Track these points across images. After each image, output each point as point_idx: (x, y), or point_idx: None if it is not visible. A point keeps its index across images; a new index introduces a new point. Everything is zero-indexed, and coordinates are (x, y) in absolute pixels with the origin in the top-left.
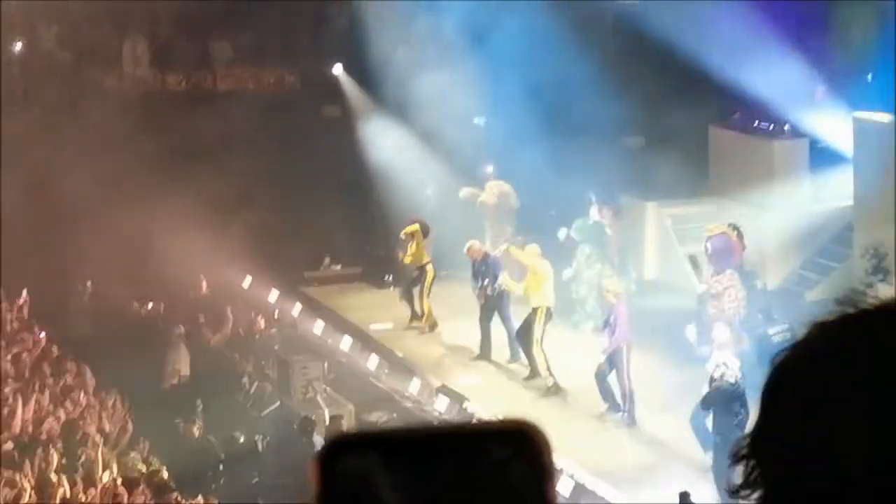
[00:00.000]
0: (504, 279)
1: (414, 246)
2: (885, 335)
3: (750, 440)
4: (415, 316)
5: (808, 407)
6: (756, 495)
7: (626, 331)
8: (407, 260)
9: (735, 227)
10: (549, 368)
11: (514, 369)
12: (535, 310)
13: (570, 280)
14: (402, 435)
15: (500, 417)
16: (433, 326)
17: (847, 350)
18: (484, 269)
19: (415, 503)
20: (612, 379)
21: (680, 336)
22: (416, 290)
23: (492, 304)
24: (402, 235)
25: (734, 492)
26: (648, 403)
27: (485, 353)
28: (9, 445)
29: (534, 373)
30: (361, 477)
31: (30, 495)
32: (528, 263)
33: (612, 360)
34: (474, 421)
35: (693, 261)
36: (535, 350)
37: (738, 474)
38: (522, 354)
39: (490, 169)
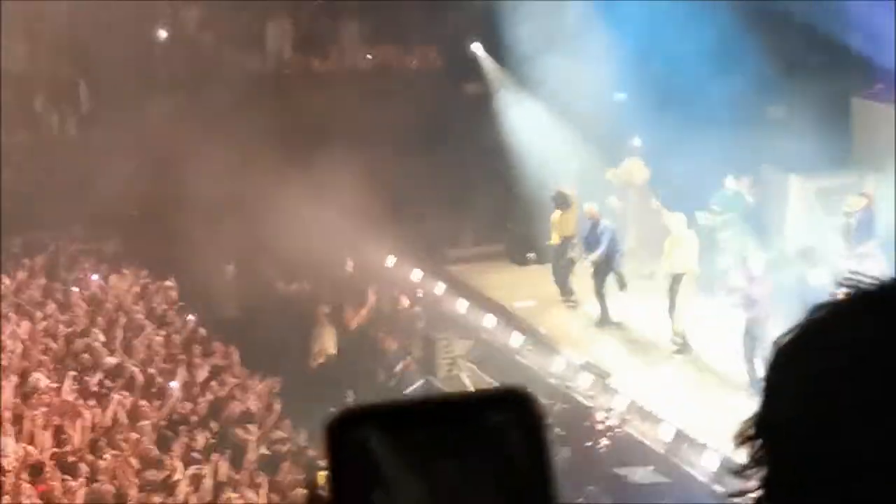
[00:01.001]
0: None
1: (559, 219)
2: (885, 315)
3: (754, 421)
4: (564, 291)
5: (812, 387)
6: (760, 475)
7: (767, 305)
8: (554, 237)
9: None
10: (679, 333)
11: (658, 340)
12: (677, 276)
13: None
14: (403, 406)
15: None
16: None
17: (848, 330)
18: (593, 237)
19: (416, 471)
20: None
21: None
22: (564, 264)
23: (602, 270)
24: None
25: (739, 472)
26: None
27: (604, 321)
28: (160, 425)
29: (678, 340)
30: (365, 446)
31: (180, 474)
32: (672, 228)
33: (753, 333)
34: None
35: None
36: (675, 315)
37: (742, 454)
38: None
39: (637, 142)
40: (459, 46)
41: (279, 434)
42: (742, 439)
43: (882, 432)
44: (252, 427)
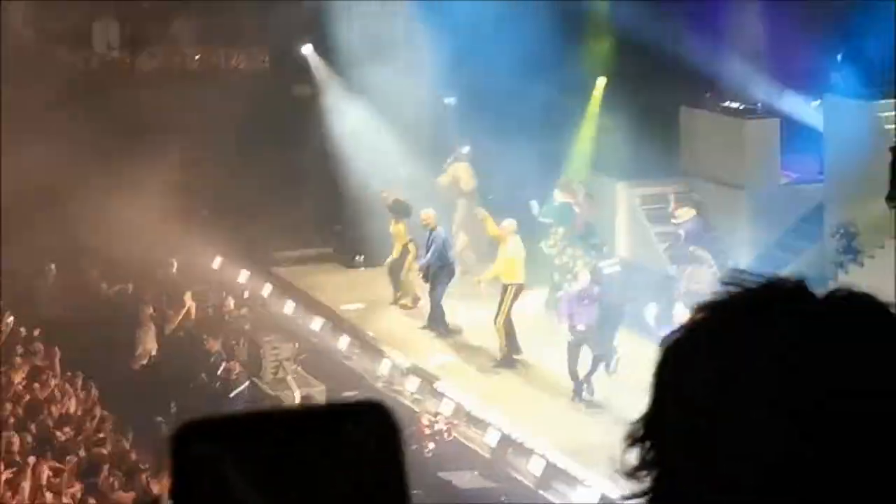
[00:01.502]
0: (485, 274)
1: (397, 226)
2: (767, 314)
3: (643, 422)
4: (403, 296)
5: (697, 387)
6: (651, 476)
7: (593, 315)
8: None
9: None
10: (507, 342)
11: (486, 347)
12: (507, 287)
13: (549, 255)
14: (252, 418)
15: (356, 398)
16: (415, 301)
17: (732, 330)
18: (430, 242)
19: (265, 486)
20: (582, 358)
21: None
22: (398, 269)
23: (436, 276)
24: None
25: (630, 474)
26: (618, 382)
27: (433, 326)
28: None
29: (504, 349)
30: (212, 462)
31: None
32: (499, 237)
33: (585, 339)
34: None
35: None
36: (500, 325)
37: (632, 456)
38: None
39: (466, 150)
40: (290, 48)
41: (100, 436)
42: (632, 440)
43: (768, 431)
44: (71, 429)
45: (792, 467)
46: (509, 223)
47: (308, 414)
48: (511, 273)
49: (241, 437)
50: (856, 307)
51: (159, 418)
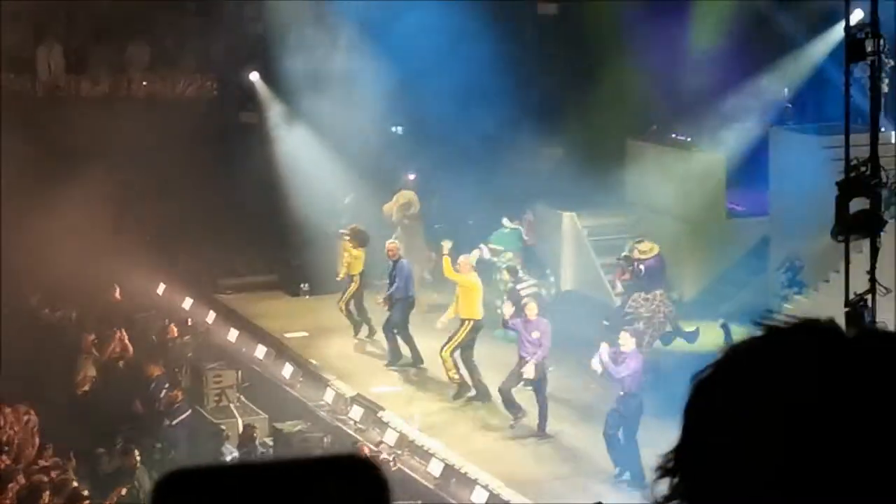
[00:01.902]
0: (444, 316)
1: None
2: (797, 353)
3: (674, 455)
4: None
5: (726, 423)
6: None
7: (547, 347)
8: (342, 271)
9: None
10: (457, 370)
11: (434, 377)
12: (462, 321)
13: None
14: (237, 471)
15: (341, 452)
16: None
17: (762, 367)
18: (394, 273)
19: None
20: (524, 393)
21: (594, 347)
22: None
23: (393, 311)
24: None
25: (659, 503)
26: (562, 414)
27: (393, 360)
28: None
29: (464, 385)
30: None
31: None
32: (458, 280)
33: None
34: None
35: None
36: (445, 355)
37: (662, 487)
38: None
39: (412, 177)
40: (237, 76)
41: (41, 464)
42: (662, 472)
43: (799, 463)
44: (8, 458)
45: None
46: (465, 259)
47: (293, 468)
48: (469, 309)
49: (225, 491)
50: (887, 346)
51: (101, 449)
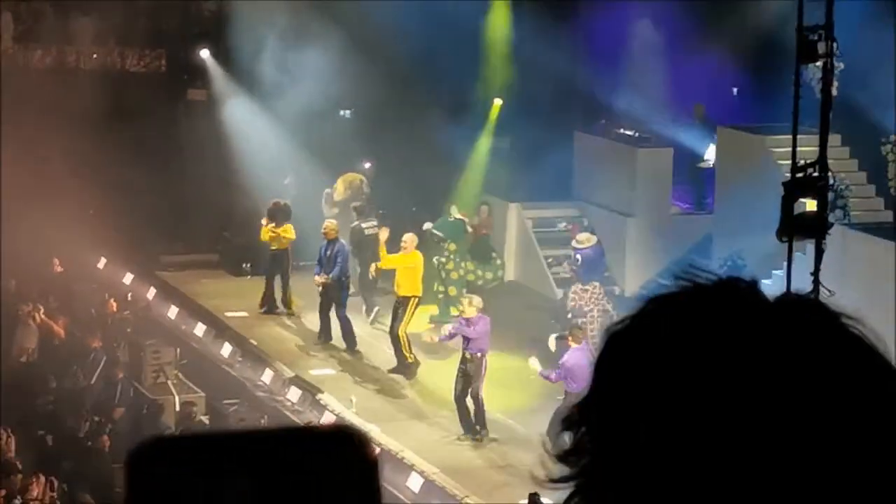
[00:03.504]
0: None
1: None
2: (718, 309)
3: (580, 407)
4: (267, 301)
5: (637, 376)
6: (582, 462)
7: (486, 343)
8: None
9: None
10: (411, 350)
11: (368, 359)
12: (405, 298)
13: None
14: (219, 438)
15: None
16: (297, 310)
17: (679, 323)
18: (329, 254)
19: None
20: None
21: (537, 339)
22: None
23: (332, 292)
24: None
25: (561, 458)
26: (504, 406)
27: (324, 340)
28: None
29: (401, 363)
30: (175, 484)
31: None
32: (403, 249)
33: (469, 373)
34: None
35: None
36: (402, 336)
37: (566, 441)
38: (354, 344)
39: (368, 165)
40: (186, 52)
41: None
42: (567, 424)
43: (703, 425)
44: None
45: (723, 466)
46: (410, 237)
47: (278, 437)
48: (412, 286)
49: (206, 460)
50: (806, 311)
51: (41, 432)
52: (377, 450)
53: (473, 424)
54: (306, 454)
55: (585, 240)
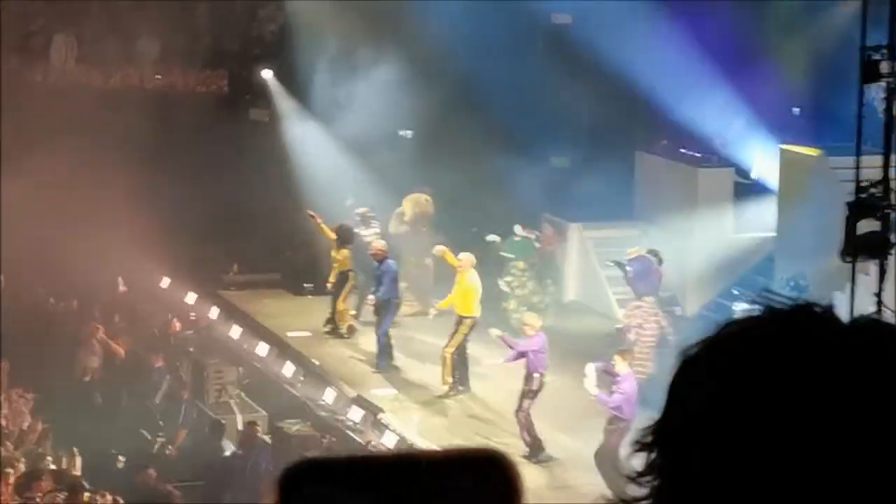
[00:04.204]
0: (440, 304)
1: (340, 252)
2: (793, 335)
3: (654, 429)
4: (331, 321)
5: (713, 401)
6: (654, 483)
7: (543, 361)
8: (332, 274)
9: (654, 253)
10: (457, 375)
11: (427, 381)
12: (462, 319)
13: (505, 293)
14: (365, 461)
15: (472, 445)
16: (351, 331)
17: (755, 347)
18: (379, 273)
19: None
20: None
21: (594, 358)
22: (335, 297)
23: (384, 309)
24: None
25: (633, 478)
26: (560, 426)
27: (382, 364)
28: None
29: (447, 380)
30: (322, 503)
31: None
32: (459, 268)
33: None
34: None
35: (622, 267)
36: (447, 354)
37: (638, 461)
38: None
39: (427, 189)
40: (249, 72)
41: (40, 451)
42: (640, 446)
43: (779, 451)
44: (11, 443)
45: (799, 495)
46: (467, 256)
47: (424, 460)
48: (467, 306)
49: (355, 481)
50: (884, 335)
51: (114, 451)
52: (521, 473)
53: (535, 443)
54: (452, 477)
55: (634, 252)
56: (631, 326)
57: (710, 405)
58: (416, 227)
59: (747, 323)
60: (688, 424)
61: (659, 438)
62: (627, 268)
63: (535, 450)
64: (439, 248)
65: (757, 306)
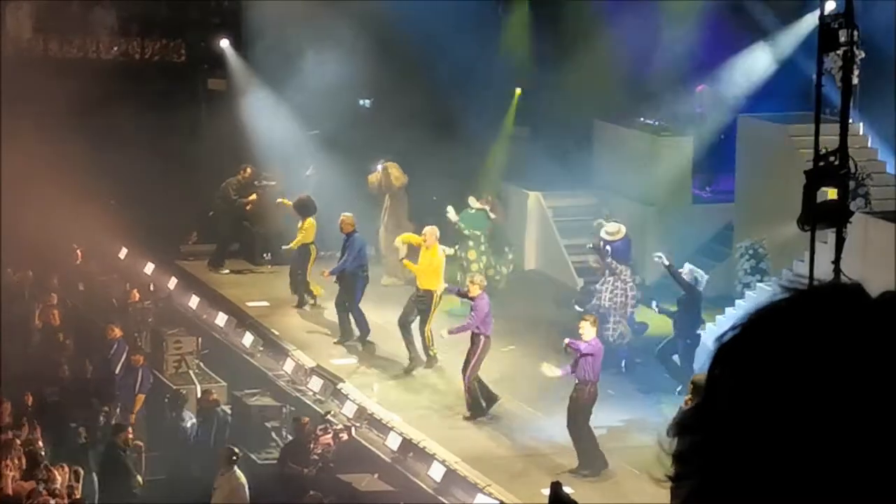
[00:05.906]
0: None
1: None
2: (828, 318)
3: (694, 412)
4: (297, 293)
5: (751, 384)
6: (693, 466)
7: (482, 322)
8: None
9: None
10: (433, 345)
11: (390, 351)
12: (428, 293)
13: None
14: None
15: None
16: (315, 300)
17: (789, 331)
18: (347, 246)
19: None
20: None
21: (555, 329)
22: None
23: (348, 285)
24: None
25: (675, 459)
26: (521, 395)
27: (343, 340)
28: None
29: (416, 358)
30: None
31: None
32: (425, 244)
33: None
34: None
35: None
36: (428, 332)
37: (677, 444)
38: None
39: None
40: (208, 42)
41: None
42: (680, 429)
43: (816, 432)
44: None
45: (839, 471)
46: (431, 230)
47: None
48: (434, 280)
49: None
50: None
51: (72, 424)
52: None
53: (481, 403)
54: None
55: (616, 231)
56: (603, 292)
57: (753, 389)
58: (395, 194)
59: (779, 306)
60: (729, 407)
61: (700, 421)
62: (608, 248)
63: (476, 410)
64: (400, 239)
65: (788, 290)
